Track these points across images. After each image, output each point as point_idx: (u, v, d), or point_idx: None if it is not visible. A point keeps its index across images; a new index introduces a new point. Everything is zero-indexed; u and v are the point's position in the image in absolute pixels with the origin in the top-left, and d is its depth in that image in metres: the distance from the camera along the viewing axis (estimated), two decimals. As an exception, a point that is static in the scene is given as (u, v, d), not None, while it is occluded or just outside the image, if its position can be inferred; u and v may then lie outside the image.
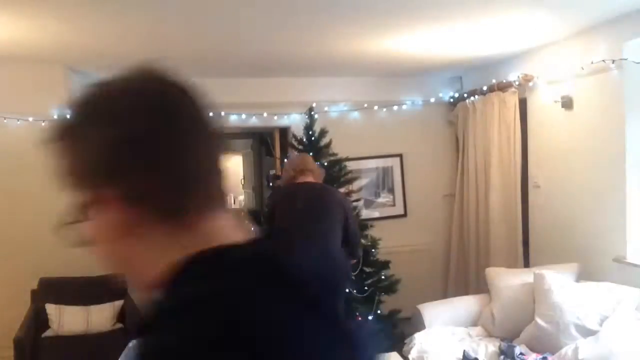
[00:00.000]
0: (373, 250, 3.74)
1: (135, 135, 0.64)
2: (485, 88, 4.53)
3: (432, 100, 5.13)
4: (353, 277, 3.64)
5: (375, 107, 5.08)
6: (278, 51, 3.82)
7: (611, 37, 3.28)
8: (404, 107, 5.12)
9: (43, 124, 4.26)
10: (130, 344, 2.04)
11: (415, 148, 5.22)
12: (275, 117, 4.93)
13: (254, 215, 3.93)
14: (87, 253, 0.67)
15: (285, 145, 5.02)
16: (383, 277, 3.77)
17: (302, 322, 0.61)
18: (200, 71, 4.42)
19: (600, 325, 2.95)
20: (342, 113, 5.04)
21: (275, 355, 0.56)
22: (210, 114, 0.69)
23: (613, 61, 3.23)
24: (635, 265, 3.19)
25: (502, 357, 3.06)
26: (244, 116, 4.85)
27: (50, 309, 4.00)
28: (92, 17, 2.91)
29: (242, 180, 8.34)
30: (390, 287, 3.77)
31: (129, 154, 0.64)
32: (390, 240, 4.29)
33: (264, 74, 4.65)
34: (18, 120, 4.21)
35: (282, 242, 0.74)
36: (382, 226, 4.38)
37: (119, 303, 4.05)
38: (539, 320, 3.16)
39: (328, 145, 3.82)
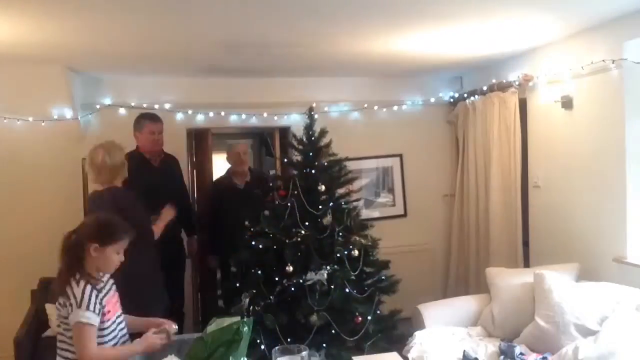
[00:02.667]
0: (373, 250, 3.72)
1: None
2: (485, 88, 4.53)
3: (432, 100, 5.13)
4: (353, 277, 3.62)
5: (375, 107, 5.08)
6: (278, 51, 3.82)
7: (611, 37, 3.28)
8: (404, 107, 5.13)
9: (43, 124, 4.26)
10: (130, 344, 2.06)
11: (415, 148, 5.23)
12: (275, 117, 4.93)
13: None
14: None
15: (285, 145, 5.01)
16: (383, 277, 3.75)
17: None
18: (200, 71, 4.43)
19: (600, 325, 2.95)
20: (342, 113, 5.04)
21: None
22: None
23: (613, 61, 3.23)
24: (635, 265, 3.19)
25: (502, 357, 3.06)
26: (244, 116, 4.85)
27: (50, 309, 4.00)
28: (91, 17, 2.91)
29: (242, 180, 8.32)
30: (390, 287, 3.74)
31: None
32: (390, 240, 4.29)
33: (264, 74, 4.64)
34: (18, 120, 4.21)
35: None
36: (382, 226, 4.37)
37: (118, 303, 4.04)
38: (539, 320, 3.15)
39: (328, 145, 3.82)
